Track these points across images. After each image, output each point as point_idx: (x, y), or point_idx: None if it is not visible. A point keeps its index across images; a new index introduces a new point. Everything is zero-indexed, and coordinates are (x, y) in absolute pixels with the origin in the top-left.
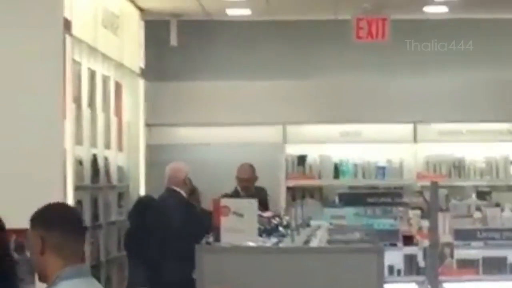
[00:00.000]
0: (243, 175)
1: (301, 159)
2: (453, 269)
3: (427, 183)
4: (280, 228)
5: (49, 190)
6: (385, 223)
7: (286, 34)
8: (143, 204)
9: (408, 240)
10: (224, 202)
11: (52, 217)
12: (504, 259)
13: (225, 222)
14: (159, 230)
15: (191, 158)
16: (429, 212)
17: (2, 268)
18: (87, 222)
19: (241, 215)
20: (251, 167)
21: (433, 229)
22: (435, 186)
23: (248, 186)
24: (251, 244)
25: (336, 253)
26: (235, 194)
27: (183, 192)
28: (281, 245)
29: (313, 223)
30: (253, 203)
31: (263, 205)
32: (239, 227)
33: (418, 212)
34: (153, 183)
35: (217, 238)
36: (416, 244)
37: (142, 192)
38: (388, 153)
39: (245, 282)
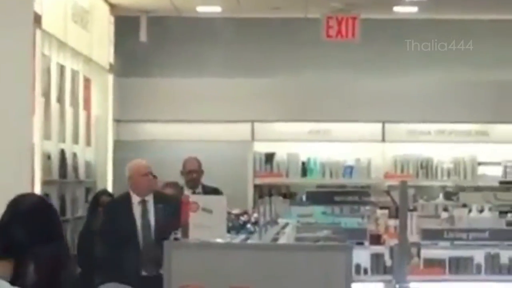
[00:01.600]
0: (190, 166)
1: (269, 157)
2: (420, 269)
3: (395, 182)
4: (248, 225)
5: (17, 184)
6: (352, 221)
7: (256, 32)
8: (96, 201)
9: (375, 239)
10: (194, 198)
11: None
12: (470, 259)
13: (194, 218)
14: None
15: (158, 155)
16: (396, 211)
17: None
18: None
19: (210, 211)
20: (198, 160)
21: (402, 228)
22: (404, 186)
23: (196, 178)
24: (219, 240)
25: (304, 250)
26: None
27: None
28: (249, 241)
29: (281, 221)
30: (222, 199)
31: None
32: (207, 223)
33: (386, 211)
34: (121, 179)
35: (186, 234)
36: (383, 244)
37: (109, 188)
38: (356, 152)
39: (213, 279)
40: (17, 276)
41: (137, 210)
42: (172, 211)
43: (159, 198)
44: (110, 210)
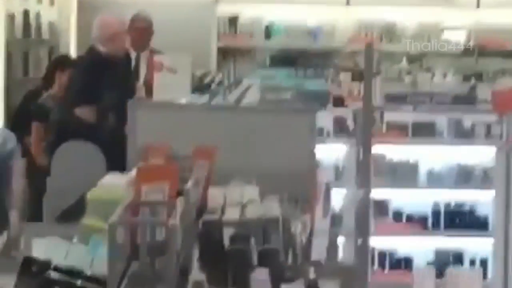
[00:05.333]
0: (139, 23)
1: (233, 20)
2: (382, 132)
3: (359, 47)
4: (213, 86)
5: None
6: (316, 84)
7: None
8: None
9: (338, 102)
10: (158, 57)
11: None
12: (433, 123)
13: (158, 78)
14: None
15: (124, 16)
16: (360, 75)
17: None
18: (18, 75)
19: (174, 71)
20: (148, 17)
21: (367, 91)
22: (369, 49)
23: (144, 39)
24: (183, 101)
25: (269, 112)
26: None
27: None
28: (213, 103)
29: (245, 82)
30: (187, 59)
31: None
32: (172, 83)
33: (349, 74)
34: (84, 40)
35: (150, 94)
36: (346, 107)
37: (72, 50)
38: (320, 15)
39: (178, 139)
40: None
41: None
42: None
43: None
44: None
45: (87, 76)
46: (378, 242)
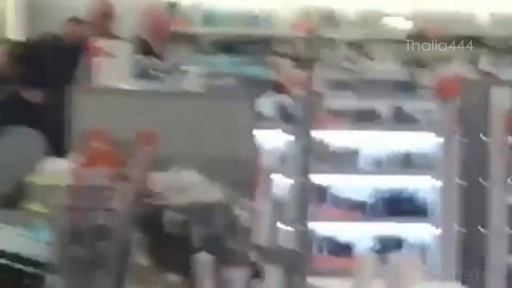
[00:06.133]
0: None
1: (172, 5)
2: (323, 119)
3: (300, 33)
4: (152, 71)
5: None
6: (257, 70)
7: None
8: None
9: (280, 88)
10: (97, 43)
11: None
12: (373, 110)
13: (97, 63)
14: None
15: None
16: (301, 62)
17: None
18: None
19: (113, 56)
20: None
21: (308, 78)
22: (310, 35)
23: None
24: (123, 86)
25: (209, 97)
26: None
27: None
28: (153, 88)
29: (184, 68)
30: (126, 44)
31: None
32: (111, 68)
33: (290, 61)
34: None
35: (89, 79)
36: (288, 93)
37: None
38: (261, 2)
39: (119, 125)
40: None
41: None
42: None
43: None
44: None
45: (43, 60)
46: (317, 228)
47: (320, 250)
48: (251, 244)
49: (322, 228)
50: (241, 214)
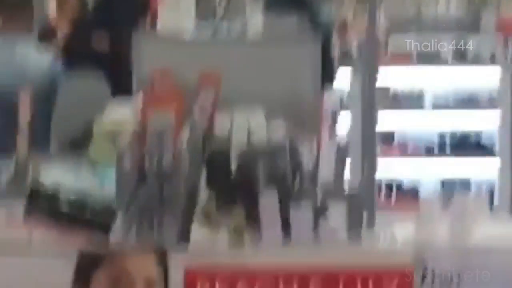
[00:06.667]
0: None
1: None
2: (386, 60)
3: None
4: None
5: None
6: (322, 9)
7: None
8: None
9: (343, 29)
10: None
11: None
12: (437, 51)
13: (162, 7)
14: None
15: None
16: (365, 1)
17: None
18: None
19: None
20: None
21: (373, 17)
22: None
23: None
24: (188, 29)
25: (273, 40)
26: None
27: None
28: (217, 37)
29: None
30: None
31: None
32: (176, 12)
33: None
34: None
35: (154, 24)
36: (351, 34)
37: None
38: None
39: (181, 72)
40: None
41: None
42: None
43: None
44: None
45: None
46: (383, 173)
47: (386, 194)
48: (317, 183)
49: (387, 173)
50: (306, 153)
